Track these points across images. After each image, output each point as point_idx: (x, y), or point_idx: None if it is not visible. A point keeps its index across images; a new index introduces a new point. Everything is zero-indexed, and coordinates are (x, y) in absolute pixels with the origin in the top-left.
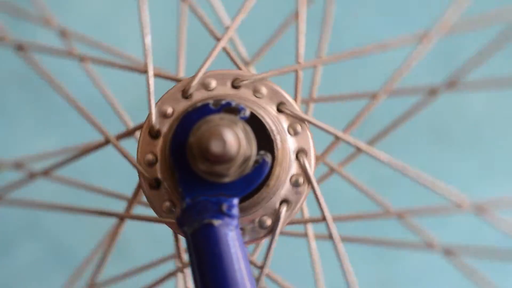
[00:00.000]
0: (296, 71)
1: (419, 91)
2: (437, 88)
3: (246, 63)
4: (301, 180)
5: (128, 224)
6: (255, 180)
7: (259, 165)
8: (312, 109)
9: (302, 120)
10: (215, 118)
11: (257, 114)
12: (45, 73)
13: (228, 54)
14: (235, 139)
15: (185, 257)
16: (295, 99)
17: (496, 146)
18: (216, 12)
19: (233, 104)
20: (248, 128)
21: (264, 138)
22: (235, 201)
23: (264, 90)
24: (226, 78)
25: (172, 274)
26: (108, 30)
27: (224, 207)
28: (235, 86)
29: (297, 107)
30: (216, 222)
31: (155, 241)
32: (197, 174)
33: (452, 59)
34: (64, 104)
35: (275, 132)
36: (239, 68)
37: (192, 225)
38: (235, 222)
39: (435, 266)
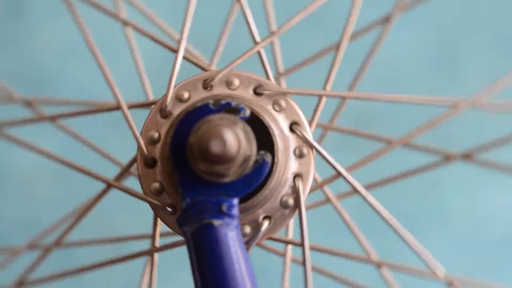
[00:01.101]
0: (320, 97)
1: (434, 152)
2: (452, 155)
3: (279, 74)
4: (304, 150)
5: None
6: (255, 180)
7: (259, 165)
8: (284, 83)
9: (283, 94)
10: (215, 118)
11: (259, 116)
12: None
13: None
14: (235, 139)
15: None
16: (311, 123)
17: (496, 153)
18: (267, 14)
19: (233, 104)
20: (248, 128)
21: (264, 138)
22: (235, 201)
23: (236, 81)
24: (250, 81)
25: (142, 254)
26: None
27: (224, 207)
28: (206, 87)
29: (309, 131)
30: (216, 222)
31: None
32: (197, 174)
33: (452, 59)
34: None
35: (275, 133)
36: (267, 76)
37: (192, 225)
38: (235, 222)
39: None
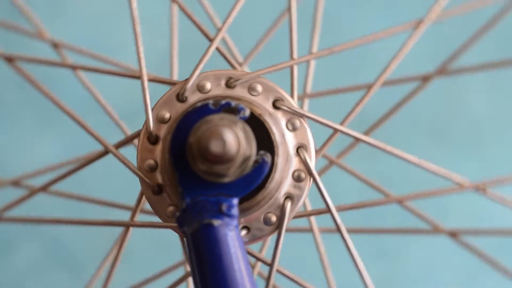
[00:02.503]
0: (290, 67)
1: (413, 80)
2: (430, 75)
3: (240, 63)
4: (303, 175)
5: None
6: (255, 180)
7: (259, 165)
8: (307, 104)
9: (300, 115)
10: (215, 118)
11: (255, 113)
12: (39, 85)
13: (221, 54)
14: (234, 139)
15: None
16: (291, 95)
17: (496, 147)
18: (207, 12)
19: (233, 104)
20: (248, 128)
21: (264, 138)
22: (235, 201)
23: (259, 87)
24: (220, 78)
25: (182, 280)
26: (108, 34)
27: (224, 207)
28: (229, 86)
29: (294, 103)
30: (216, 222)
31: (159, 248)
32: (197, 174)
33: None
34: (63, 103)
35: (275, 132)
36: (233, 68)
37: (192, 225)
38: (235, 222)
39: (436, 264)
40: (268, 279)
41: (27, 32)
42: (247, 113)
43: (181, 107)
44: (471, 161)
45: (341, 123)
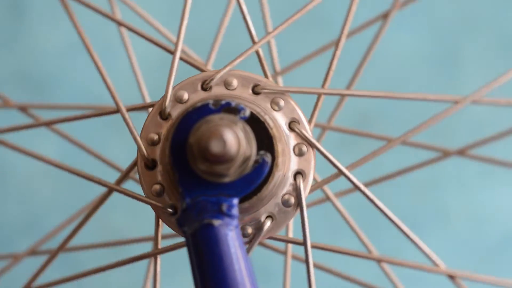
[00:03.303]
0: (318, 95)
1: (374, 21)
2: (388, 11)
3: (276, 72)
4: (304, 148)
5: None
6: (255, 180)
7: (259, 165)
8: (281, 82)
9: (281, 92)
10: (215, 118)
11: (260, 118)
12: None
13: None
14: (235, 139)
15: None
16: (310, 121)
17: (496, 147)
18: (262, 13)
19: (233, 104)
20: (248, 128)
21: (264, 138)
22: (235, 201)
23: (234, 81)
24: (249, 81)
25: (145, 256)
26: (105, 37)
27: (224, 207)
28: (205, 88)
29: (309, 130)
30: (216, 222)
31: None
32: (197, 174)
33: (452, 59)
34: (63, 101)
35: (276, 136)
36: (266, 76)
37: (192, 226)
38: (235, 222)
39: (433, 278)
40: (306, 258)
41: None
42: (247, 113)
43: (202, 95)
44: (471, 162)
45: (323, 85)
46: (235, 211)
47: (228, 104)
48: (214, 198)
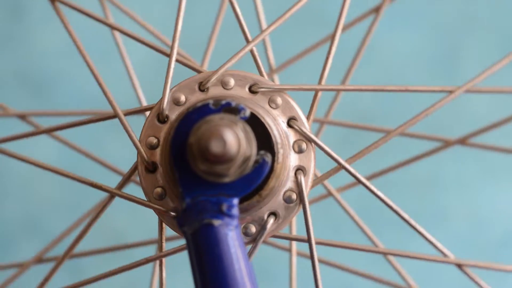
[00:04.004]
0: (315, 92)
1: (367, 15)
2: (380, 5)
3: (271, 70)
4: (303, 145)
5: (125, 216)
6: (255, 180)
7: (259, 165)
8: (278, 80)
9: (278, 91)
10: (215, 118)
11: (259, 117)
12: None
13: (254, 58)
14: (235, 139)
15: (165, 246)
16: (308, 117)
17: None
18: (256, 12)
19: (233, 104)
20: (248, 128)
21: (264, 138)
22: (235, 201)
23: (231, 81)
24: (246, 80)
25: (150, 260)
26: (104, 36)
27: (224, 207)
28: (202, 89)
29: (307, 126)
30: (216, 222)
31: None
32: (197, 174)
33: (452, 58)
34: (63, 102)
35: (276, 135)
36: (261, 74)
37: (192, 225)
38: (235, 222)
39: (435, 264)
40: (311, 255)
41: None
42: (247, 113)
43: (199, 96)
44: (471, 162)
45: (319, 81)
46: (235, 211)
47: (228, 104)
48: (214, 198)
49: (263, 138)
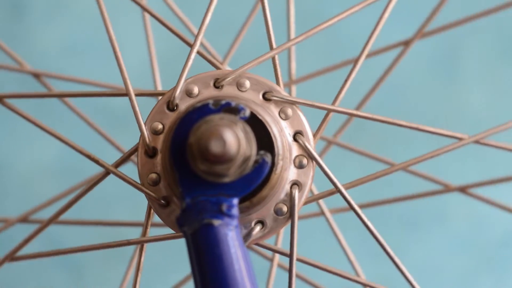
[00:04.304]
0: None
1: (395, 46)
2: (410, 39)
3: (290, 80)
4: (304, 160)
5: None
6: (255, 180)
7: (259, 165)
8: (295, 91)
9: (291, 103)
10: (215, 118)
11: (255, 113)
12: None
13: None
14: (235, 139)
15: (149, 231)
16: (315, 135)
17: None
18: (287, 20)
19: (233, 104)
20: (248, 128)
21: (264, 138)
22: (235, 201)
23: (247, 83)
24: (261, 86)
25: (132, 243)
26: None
27: (224, 207)
28: (217, 86)
29: (312, 143)
30: (216, 222)
31: (152, 230)
32: (197, 174)
33: (452, 59)
34: (63, 105)
35: (279, 146)
36: (278, 83)
37: (192, 225)
38: (235, 222)
39: (436, 263)
40: (290, 270)
41: (8, 67)
42: (247, 113)
43: (173, 116)
44: (471, 162)
45: (333, 103)
46: (235, 211)
47: (228, 104)
48: (214, 198)
49: (264, 139)
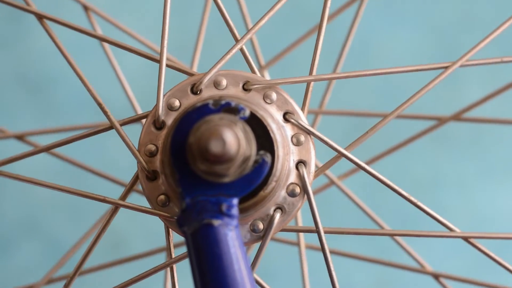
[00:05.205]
0: (307, 83)
1: (427, 118)
2: (446, 118)
3: (261, 67)
4: (297, 190)
5: (125, 218)
6: (254, 180)
7: (258, 165)
8: (319, 121)
9: (307, 132)
10: (215, 118)
11: (259, 116)
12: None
13: (244, 56)
14: (234, 139)
15: (174, 252)
16: (303, 109)
17: (495, 147)
18: (241, 11)
19: (233, 104)
20: (248, 128)
21: (264, 138)
22: (235, 201)
23: (274, 96)
24: (238, 79)
25: (161, 268)
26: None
27: (224, 207)
28: (246, 88)
29: (303, 118)
30: (216, 222)
31: (153, 237)
32: (197, 174)
33: (452, 58)
34: (62, 102)
35: (275, 133)
36: (253, 71)
37: (191, 225)
38: (234, 222)
39: (435, 264)
40: (321, 245)
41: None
42: (247, 113)
43: (193, 99)
44: (471, 162)
45: (347, 148)
46: (235, 211)
47: (228, 104)
48: (214, 198)
49: (263, 136)
